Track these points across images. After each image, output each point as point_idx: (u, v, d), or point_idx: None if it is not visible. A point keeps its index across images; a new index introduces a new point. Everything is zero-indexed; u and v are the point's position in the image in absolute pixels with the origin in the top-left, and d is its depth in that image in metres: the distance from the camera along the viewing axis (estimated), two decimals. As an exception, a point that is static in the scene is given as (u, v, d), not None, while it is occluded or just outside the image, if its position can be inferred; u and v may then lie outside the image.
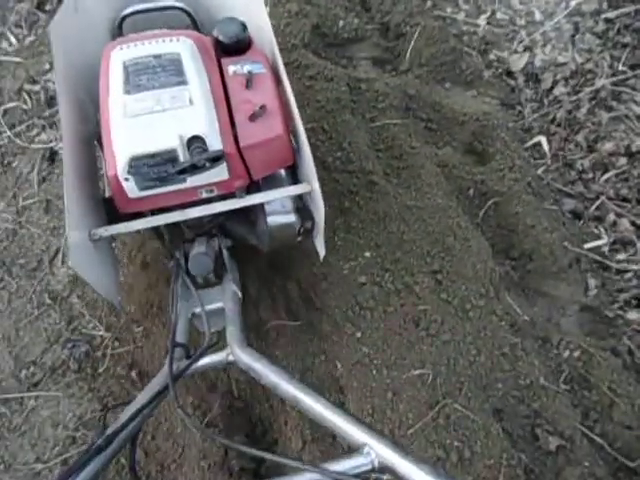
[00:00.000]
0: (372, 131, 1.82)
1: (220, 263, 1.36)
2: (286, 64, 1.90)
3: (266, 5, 1.29)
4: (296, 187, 1.27)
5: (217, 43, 1.33)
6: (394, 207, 1.65)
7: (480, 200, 1.79)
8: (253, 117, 1.19)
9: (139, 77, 1.18)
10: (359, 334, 1.52)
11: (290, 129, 1.27)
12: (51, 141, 2.07)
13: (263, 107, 1.20)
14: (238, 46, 1.33)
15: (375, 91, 1.90)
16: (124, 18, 1.47)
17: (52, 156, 2.04)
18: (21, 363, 1.66)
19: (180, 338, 1.12)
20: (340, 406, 0.78)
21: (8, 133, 2.10)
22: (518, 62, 2.11)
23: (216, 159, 1.12)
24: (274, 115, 1.21)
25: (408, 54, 2.06)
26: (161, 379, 0.99)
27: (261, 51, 1.36)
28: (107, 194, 1.37)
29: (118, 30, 1.49)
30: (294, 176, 1.35)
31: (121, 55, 1.22)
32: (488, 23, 2.17)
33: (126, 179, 1.13)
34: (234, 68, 1.27)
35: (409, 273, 1.57)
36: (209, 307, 1.24)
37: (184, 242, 1.37)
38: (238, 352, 1.00)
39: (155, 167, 1.12)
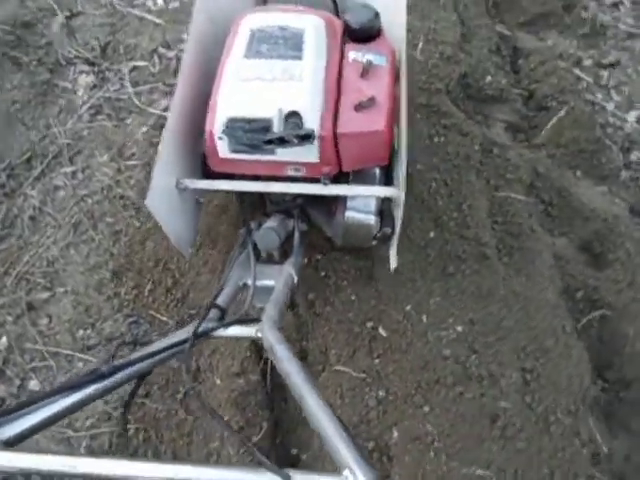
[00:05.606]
0: (493, 200, 1.72)
1: (289, 244, 1.34)
2: (425, 106, 1.85)
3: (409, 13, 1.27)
4: (383, 189, 1.24)
5: (346, 27, 1.31)
6: (500, 288, 1.54)
7: (586, 306, 1.65)
8: (359, 107, 1.17)
9: (261, 44, 1.20)
10: (427, 409, 1.42)
11: (394, 129, 1.22)
12: (168, 109, 2.05)
13: (372, 99, 1.17)
14: (365, 33, 1.30)
15: (507, 159, 1.80)
16: None
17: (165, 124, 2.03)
18: (80, 322, 1.63)
19: (221, 301, 1.11)
20: (341, 421, 0.72)
21: (130, 90, 2.10)
22: (659, 171, 1.96)
23: (305, 137, 1.11)
24: (380, 110, 1.17)
25: (547, 130, 1.95)
26: (185, 332, 0.99)
27: (389, 44, 1.31)
28: None
29: (263, 2, 1.53)
30: (388, 179, 1.31)
31: (251, 21, 1.25)
32: (637, 121, 2.04)
33: (220, 138, 1.16)
34: (355, 55, 1.26)
35: (498, 363, 1.45)
36: (262, 282, 1.21)
37: (262, 214, 1.38)
38: (266, 330, 0.98)
39: (249, 132, 1.13)
